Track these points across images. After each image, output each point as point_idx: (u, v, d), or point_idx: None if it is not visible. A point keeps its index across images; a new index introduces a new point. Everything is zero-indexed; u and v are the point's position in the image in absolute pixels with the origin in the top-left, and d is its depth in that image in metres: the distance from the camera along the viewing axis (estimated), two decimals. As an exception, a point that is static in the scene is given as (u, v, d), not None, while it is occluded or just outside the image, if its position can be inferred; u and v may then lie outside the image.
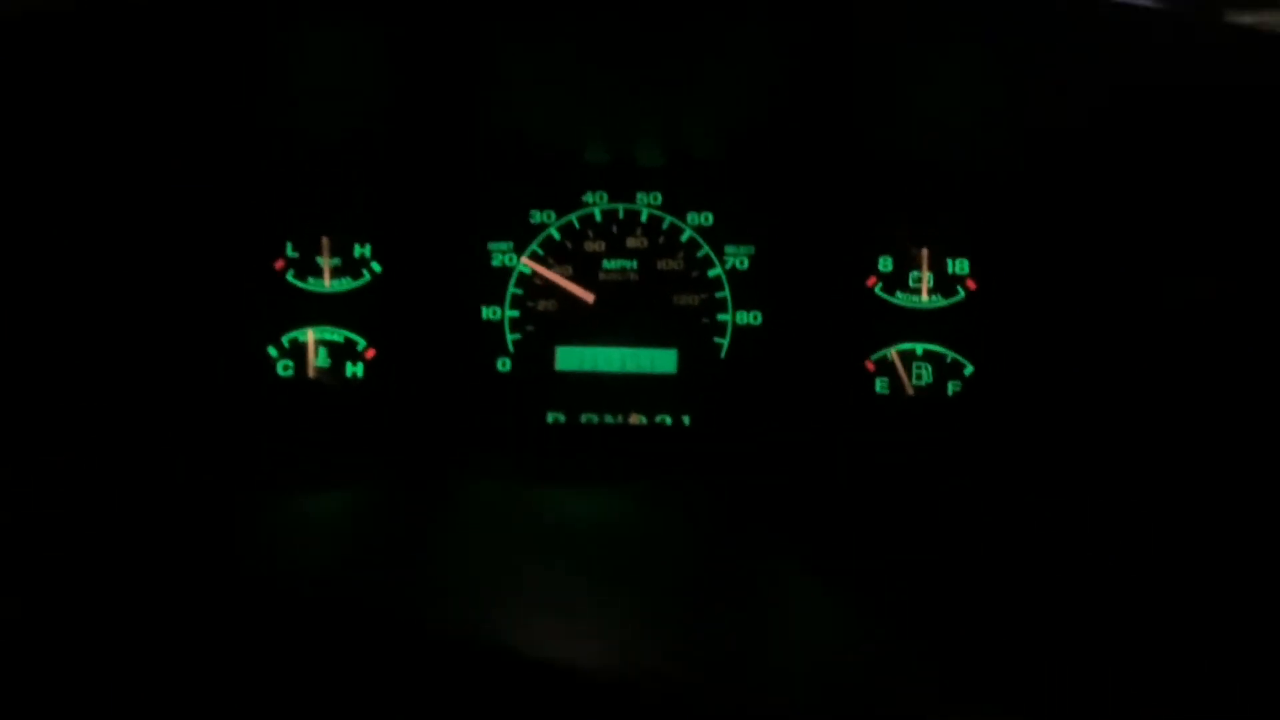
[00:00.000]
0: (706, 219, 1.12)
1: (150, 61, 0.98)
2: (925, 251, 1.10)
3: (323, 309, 1.11)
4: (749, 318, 1.11)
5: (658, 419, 1.11)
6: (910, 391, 1.08)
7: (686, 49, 1.02)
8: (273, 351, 1.11)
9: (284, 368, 1.11)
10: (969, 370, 1.09)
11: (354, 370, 1.11)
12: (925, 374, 1.09)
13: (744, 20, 0.98)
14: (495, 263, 1.12)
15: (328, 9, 0.97)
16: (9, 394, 0.99)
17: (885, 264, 1.11)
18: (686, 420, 1.11)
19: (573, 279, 1.12)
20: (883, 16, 0.97)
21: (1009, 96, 1.05)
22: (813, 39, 0.99)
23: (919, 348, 1.09)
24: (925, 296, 1.10)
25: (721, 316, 1.11)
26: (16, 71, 0.90)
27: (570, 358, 1.11)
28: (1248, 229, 0.99)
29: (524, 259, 1.12)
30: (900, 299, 1.10)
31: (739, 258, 1.12)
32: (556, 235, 1.12)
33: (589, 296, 1.11)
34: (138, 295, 1.06)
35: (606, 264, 1.12)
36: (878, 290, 1.11)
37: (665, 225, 1.12)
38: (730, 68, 1.04)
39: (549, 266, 1.12)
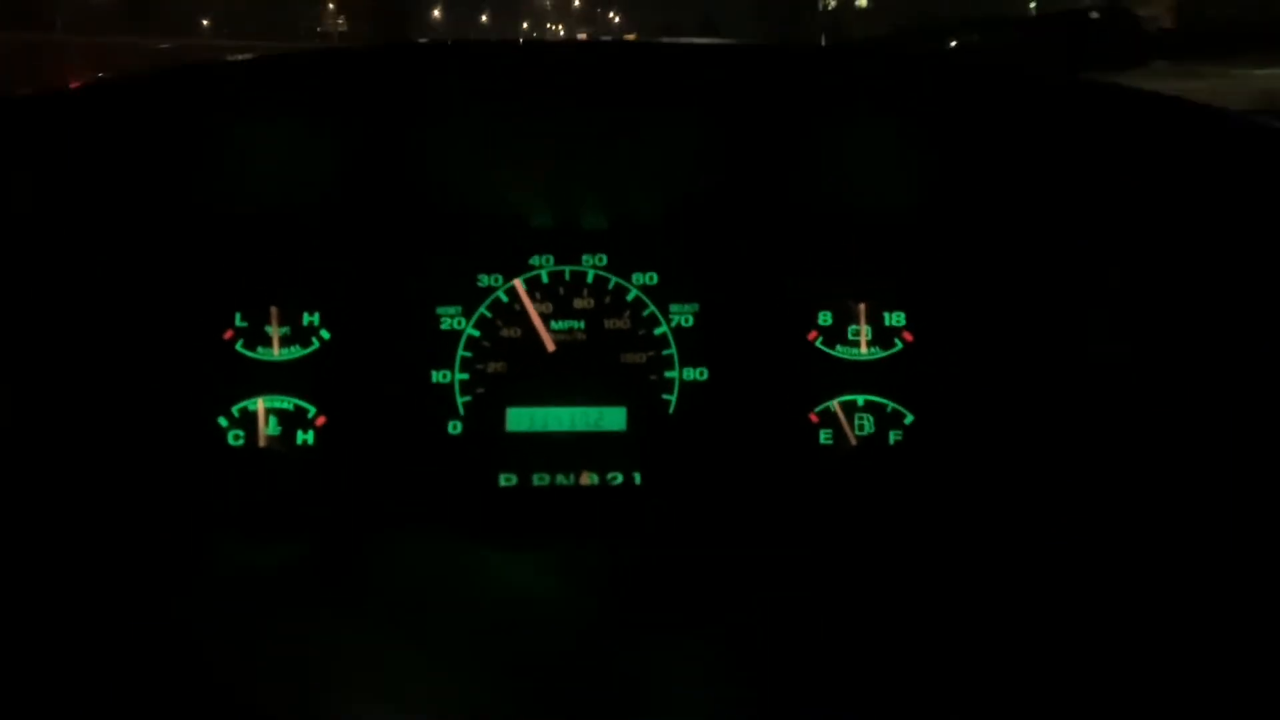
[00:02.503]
0: (651, 278, 1.15)
1: (98, 146, 0.99)
2: (863, 305, 1.14)
3: (272, 378, 1.12)
4: (695, 374, 1.14)
5: (609, 477, 1.12)
6: (853, 442, 1.11)
7: (623, 131, 1.06)
8: (223, 421, 1.11)
9: (235, 437, 1.11)
10: (909, 419, 1.13)
11: (305, 438, 1.12)
12: (867, 424, 1.12)
13: (674, 112, 1.03)
14: (444, 326, 1.13)
15: (274, 108, 1.00)
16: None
17: (825, 318, 1.14)
18: (637, 478, 1.12)
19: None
20: (803, 109, 1.02)
21: (933, 165, 1.10)
22: (743, 127, 1.03)
23: (860, 399, 1.13)
24: (864, 349, 1.14)
25: (669, 373, 1.14)
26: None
27: (521, 418, 1.13)
28: (1166, 286, 1.04)
29: (517, 282, 1.14)
30: (840, 352, 1.14)
31: (684, 315, 1.14)
32: (504, 298, 1.14)
33: (550, 344, 1.13)
34: (86, 369, 1.06)
35: (555, 324, 1.14)
36: (819, 344, 1.14)
37: (611, 285, 1.15)
38: (666, 145, 1.08)
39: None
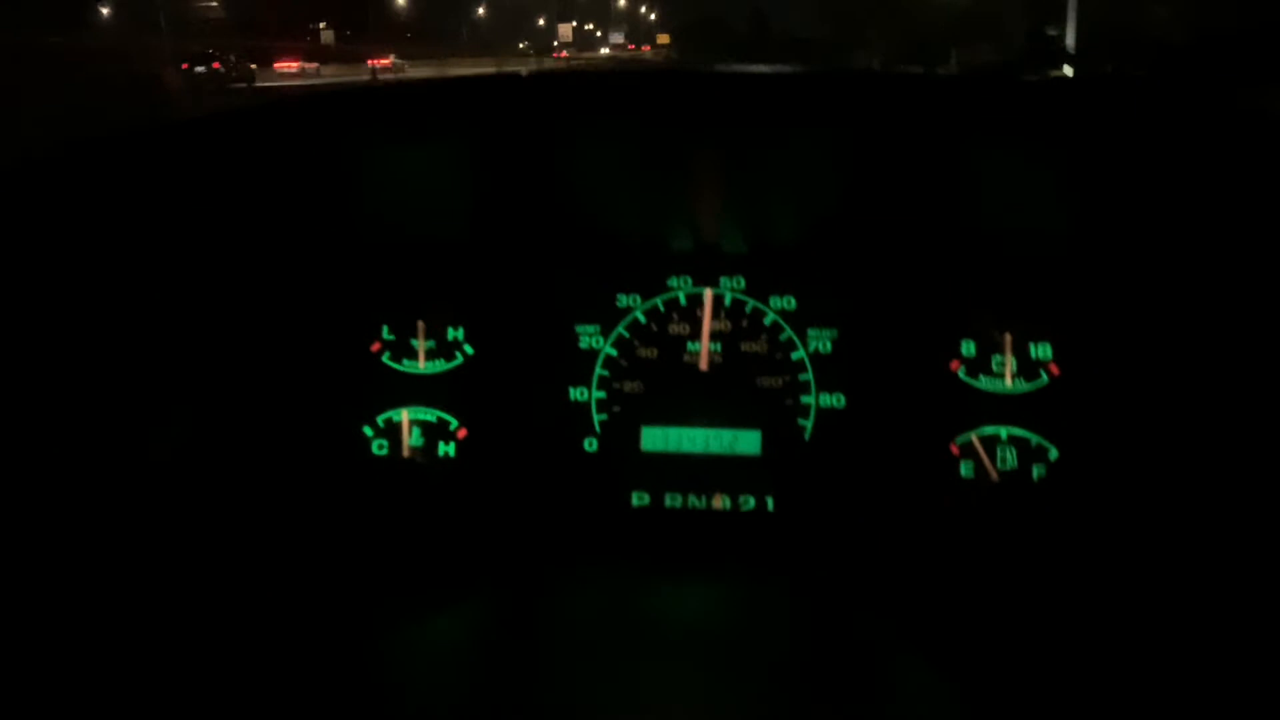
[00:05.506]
0: (789, 303, 1.14)
1: (260, 171, 1.04)
2: (1008, 336, 1.11)
3: (417, 390, 1.15)
4: (832, 400, 1.13)
5: (741, 501, 1.12)
6: (995, 476, 1.09)
7: (763, 156, 1.06)
8: (368, 431, 1.15)
9: (379, 446, 1.15)
10: (1054, 455, 1.09)
11: (446, 449, 1.15)
12: (1010, 458, 1.10)
13: (817, 142, 1.02)
14: (583, 345, 1.15)
15: (420, 132, 1.03)
16: (115, 473, 1.03)
17: (968, 348, 1.12)
18: (770, 503, 1.12)
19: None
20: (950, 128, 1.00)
21: (1080, 192, 1.07)
22: (885, 154, 1.02)
23: (1003, 431, 1.10)
24: (1009, 381, 1.11)
25: (805, 399, 1.13)
26: (143, 178, 0.97)
27: (655, 438, 1.14)
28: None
29: (708, 292, 1.14)
30: (983, 383, 1.11)
31: (822, 341, 1.14)
32: (642, 319, 1.15)
33: (705, 362, 1.13)
34: (239, 377, 1.11)
35: (691, 346, 1.15)
36: (961, 374, 1.12)
37: (749, 309, 1.15)
38: (807, 170, 1.07)
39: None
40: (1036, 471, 1.10)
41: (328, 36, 38.01)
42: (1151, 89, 1.07)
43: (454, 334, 1.16)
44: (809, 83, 1.09)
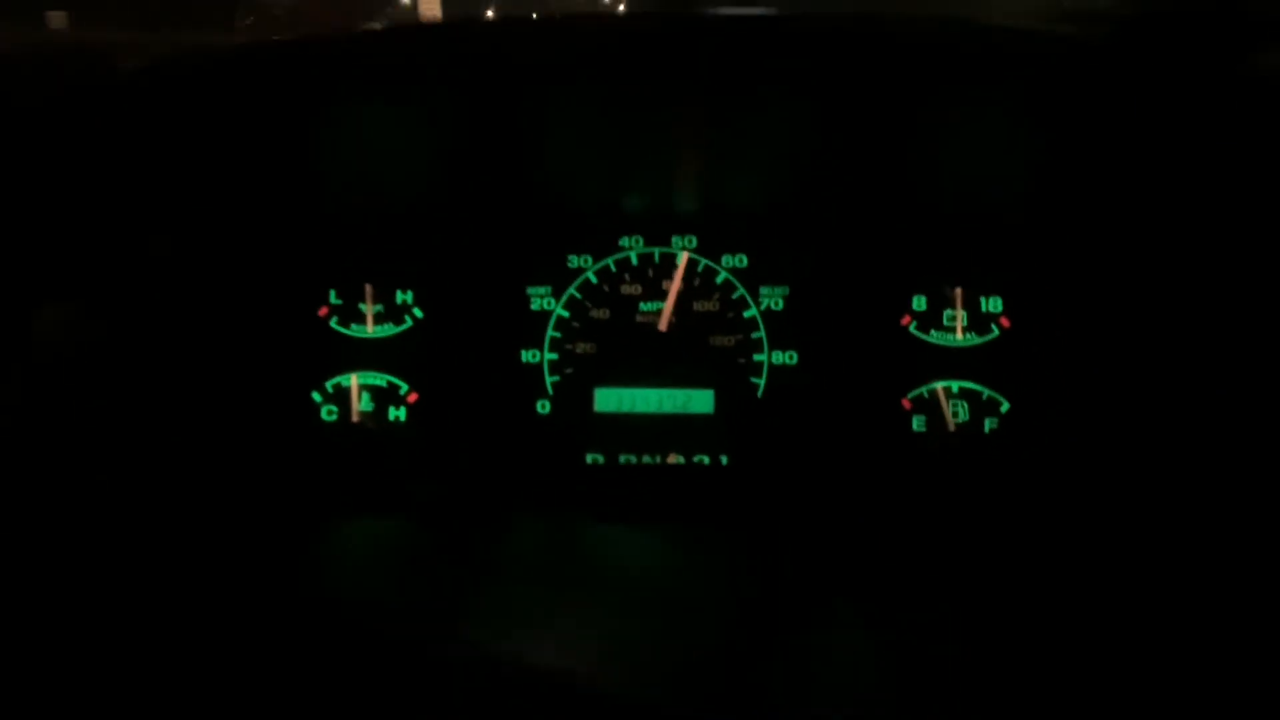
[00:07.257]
0: (741, 261, 1.14)
1: (203, 125, 1.01)
2: (959, 290, 1.11)
3: (366, 354, 1.14)
4: (785, 357, 1.12)
5: (695, 459, 1.12)
6: (948, 429, 1.09)
7: (715, 112, 1.04)
8: (317, 397, 1.13)
9: (328, 412, 1.13)
10: (1005, 407, 1.10)
11: (397, 414, 1.13)
12: (961, 411, 1.10)
13: (774, 90, 1.00)
14: (534, 306, 1.14)
15: (374, 83, 1.00)
16: (58, 436, 1.01)
17: (919, 303, 1.12)
18: (724, 460, 1.12)
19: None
20: (903, 81, 0.99)
21: (1032, 146, 1.07)
22: (843, 105, 1.01)
23: (955, 385, 1.10)
24: (960, 335, 1.11)
25: (757, 357, 1.13)
26: (85, 132, 0.94)
27: (608, 399, 1.13)
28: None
29: (685, 254, 1.14)
30: (935, 337, 1.12)
31: (774, 299, 1.13)
32: (594, 279, 1.14)
33: (664, 324, 1.12)
34: (183, 343, 1.08)
35: (643, 306, 1.14)
36: (912, 329, 1.12)
37: (700, 268, 1.14)
38: (762, 131, 1.06)
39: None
40: (988, 424, 1.10)
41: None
42: (1117, 42, 1.06)
43: (403, 297, 1.14)
44: (769, 26, 1.06)
